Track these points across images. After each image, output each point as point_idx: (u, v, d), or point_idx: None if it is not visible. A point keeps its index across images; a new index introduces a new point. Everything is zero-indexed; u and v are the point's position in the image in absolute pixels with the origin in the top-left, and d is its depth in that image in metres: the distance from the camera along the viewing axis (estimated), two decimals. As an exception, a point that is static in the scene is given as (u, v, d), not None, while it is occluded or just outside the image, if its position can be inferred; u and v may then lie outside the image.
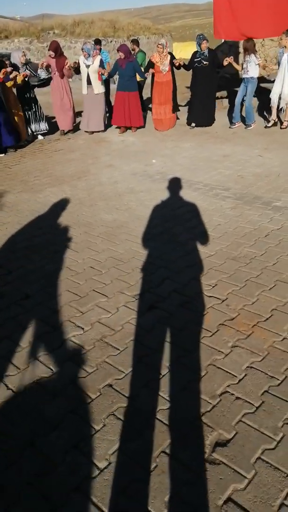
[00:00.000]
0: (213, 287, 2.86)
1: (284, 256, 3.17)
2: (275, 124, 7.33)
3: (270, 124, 7.32)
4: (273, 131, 7.15)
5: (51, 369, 2.19)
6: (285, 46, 6.57)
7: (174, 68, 7.57)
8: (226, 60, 7.17)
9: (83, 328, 2.49)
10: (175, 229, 3.76)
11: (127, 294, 2.82)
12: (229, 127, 7.64)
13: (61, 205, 4.51)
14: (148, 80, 8.14)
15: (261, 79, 8.63)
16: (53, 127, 8.11)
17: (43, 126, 7.71)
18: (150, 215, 4.13)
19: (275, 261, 3.12)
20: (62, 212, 4.33)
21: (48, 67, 7.34)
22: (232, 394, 1.97)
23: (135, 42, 8.88)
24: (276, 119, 7.31)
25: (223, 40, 11.41)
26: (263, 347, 2.26)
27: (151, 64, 7.52)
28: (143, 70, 7.74)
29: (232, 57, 7.37)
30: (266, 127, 7.35)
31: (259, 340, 2.32)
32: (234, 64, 7.49)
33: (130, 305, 2.69)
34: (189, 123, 7.96)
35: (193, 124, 7.87)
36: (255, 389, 1.98)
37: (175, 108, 7.97)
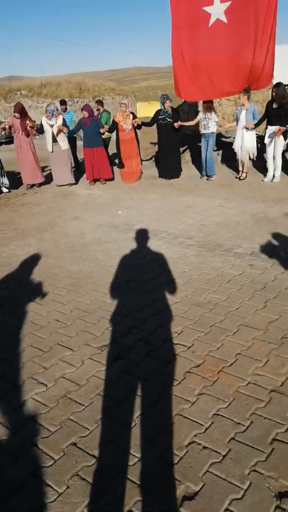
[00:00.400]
0: (179, 334, 2.88)
1: (246, 300, 3.27)
2: (242, 174, 7.76)
3: (240, 175, 7.74)
4: (231, 183, 7.58)
5: (11, 430, 2.09)
6: (243, 104, 7.24)
7: (136, 128, 8.11)
8: (176, 124, 7.75)
9: (46, 385, 2.42)
10: (141, 278, 3.82)
11: (93, 346, 2.79)
12: (200, 178, 8.08)
13: (26, 258, 4.51)
14: (113, 138, 8.59)
15: (219, 135, 9.30)
16: (19, 182, 8.28)
17: (5, 180, 7.94)
18: (116, 264, 4.19)
19: (238, 305, 3.20)
20: (28, 265, 4.32)
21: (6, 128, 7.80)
22: (199, 444, 1.94)
23: (100, 102, 9.44)
24: (243, 170, 7.72)
25: (183, 100, 12.31)
26: (228, 393, 2.26)
27: (115, 124, 8.00)
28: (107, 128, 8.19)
29: (179, 121, 7.87)
30: (236, 177, 7.77)
31: (225, 386, 2.33)
32: (185, 123, 8.08)
33: (96, 357, 2.66)
34: (160, 176, 8.42)
35: (164, 176, 8.32)
36: (221, 437, 1.97)
37: (141, 161, 8.48)
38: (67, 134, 7.98)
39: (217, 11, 6.66)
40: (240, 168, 7.77)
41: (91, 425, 2.10)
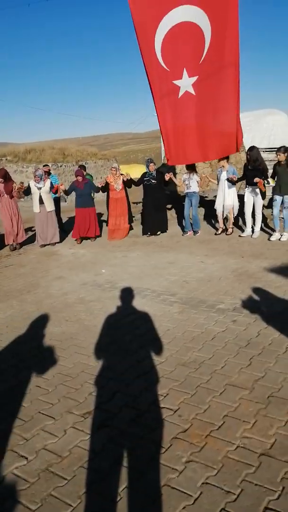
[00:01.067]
0: (165, 396, 2.81)
1: (231, 358, 3.25)
2: (223, 231, 8.16)
3: (219, 232, 8.17)
4: (211, 239, 7.83)
5: (-11, 512, 1.95)
6: (223, 166, 7.87)
7: (126, 186, 8.68)
8: (167, 176, 8.35)
9: (27, 458, 2.30)
10: (124, 338, 3.78)
11: (76, 413, 2.69)
12: (182, 235, 8.42)
13: (7, 322, 4.44)
14: (102, 197, 9.03)
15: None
16: (2, 244, 8.38)
17: None
18: (100, 324, 4.15)
19: (223, 364, 3.18)
20: (9, 329, 4.24)
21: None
22: (189, 518, 1.84)
23: (82, 167, 10.09)
24: (223, 227, 8.20)
25: (162, 163, 13.02)
26: (217, 459, 2.18)
27: (107, 184, 8.66)
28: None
29: (171, 173, 8.64)
30: (216, 234, 8.16)
31: (213, 451, 2.25)
32: (174, 179, 8.68)
33: (79, 426, 2.55)
34: (144, 233, 8.75)
35: (148, 233, 8.67)
36: (211, 508, 1.87)
37: (130, 219, 9.02)
38: (57, 195, 8.56)
39: (185, 84, 7.20)
40: (220, 226, 8.16)
41: (74, 501, 1.98)
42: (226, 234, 8.04)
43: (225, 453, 2.22)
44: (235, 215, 8.07)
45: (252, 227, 7.72)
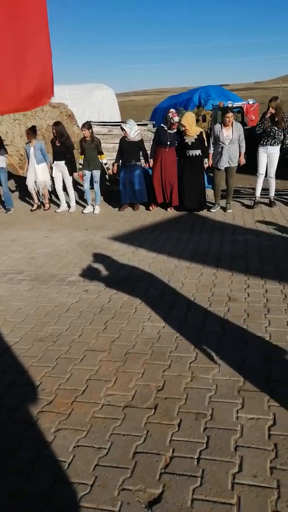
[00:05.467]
0: (24, 374, 2.72)
1: (87, 325, 3.34)
2: (39, 206, 8.01)
3: (35, 208, 7.96)
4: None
5: None
6: (30, 141, 7.64)
7: None
8: None
9: None
10: None
11: None
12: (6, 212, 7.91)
13: None
14: None
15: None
16: None
17: None
18: None
19: (80, 332, 3.24)
20: None
21: None
22: (64, 481, 1.87)
23: None
24: (38, 202, 8.05)
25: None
26: (85, 421, 2.25)
27: None
28: None
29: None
30: (31, 210, 7.92)
31: (80, 415, 2.31)
32: None
33: None
34: None
35: None
36: (86, 467, 1.94)
37: None
38: None
39: None
40: (35, 202, 7.99)
41: None
42: (44, 210, 7.92)
43: (92, 414, 2.31)
44: (50, 189, 7.99)
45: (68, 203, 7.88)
